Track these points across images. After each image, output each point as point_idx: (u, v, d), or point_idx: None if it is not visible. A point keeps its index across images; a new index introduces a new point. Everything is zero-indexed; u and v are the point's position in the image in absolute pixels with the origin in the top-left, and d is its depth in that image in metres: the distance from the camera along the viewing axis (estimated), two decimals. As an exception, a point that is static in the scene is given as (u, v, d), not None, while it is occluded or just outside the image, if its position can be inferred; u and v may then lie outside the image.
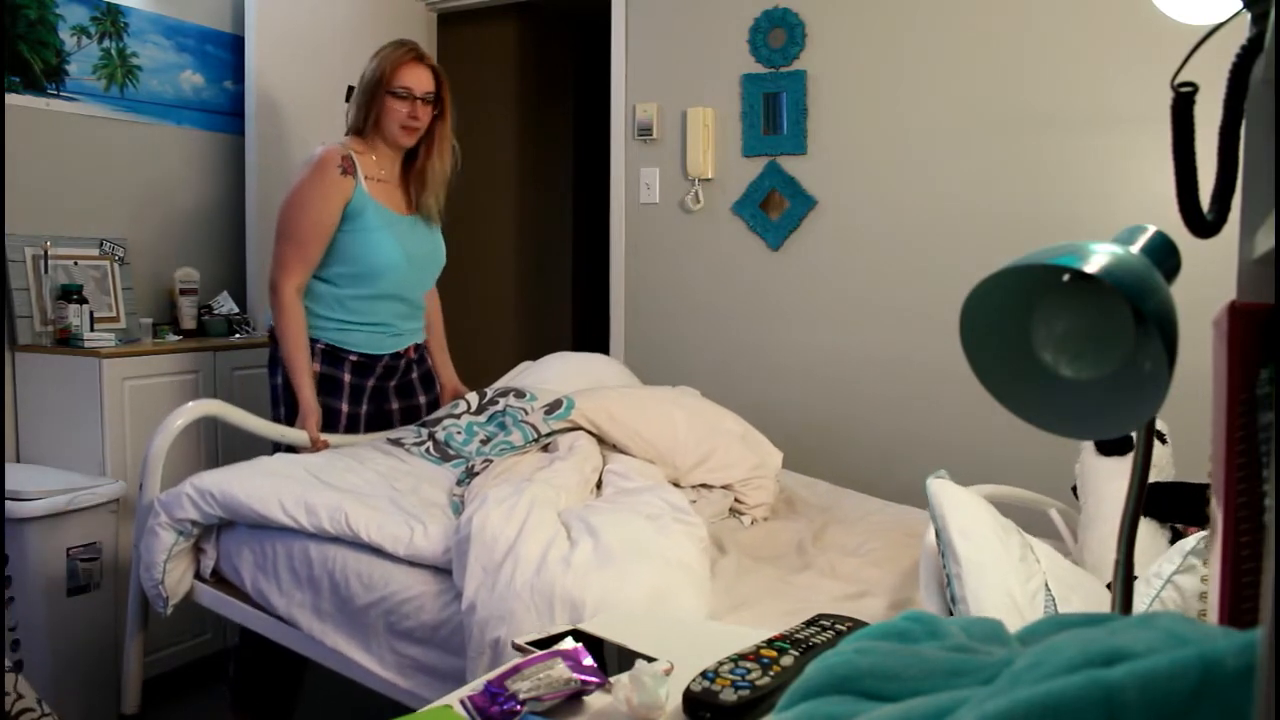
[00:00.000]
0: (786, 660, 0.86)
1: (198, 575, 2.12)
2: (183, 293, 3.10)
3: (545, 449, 2.31)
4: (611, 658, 0.99)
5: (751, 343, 3.29)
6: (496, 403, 2.46)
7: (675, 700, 0.83)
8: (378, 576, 1.86)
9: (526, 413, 2.37)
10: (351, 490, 2.03)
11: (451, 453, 2.34)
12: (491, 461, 2.21)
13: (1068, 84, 2.77)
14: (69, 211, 2.90)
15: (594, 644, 0.99)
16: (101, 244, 2.94)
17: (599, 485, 2.17)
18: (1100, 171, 2.72)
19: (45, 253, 2.76)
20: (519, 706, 0.83)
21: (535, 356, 2.63)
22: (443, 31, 4.04)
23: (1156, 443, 1.93)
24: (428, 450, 2.35)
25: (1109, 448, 1.87)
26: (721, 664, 0.85)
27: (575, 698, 0.87)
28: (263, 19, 3.20)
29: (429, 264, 2.60)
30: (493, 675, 0.87)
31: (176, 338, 3.01)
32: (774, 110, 3.19)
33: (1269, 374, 0.56)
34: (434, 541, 1.85)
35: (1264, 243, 0.62)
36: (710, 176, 3.31)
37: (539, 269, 5.06)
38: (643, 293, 3.48)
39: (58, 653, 2.37)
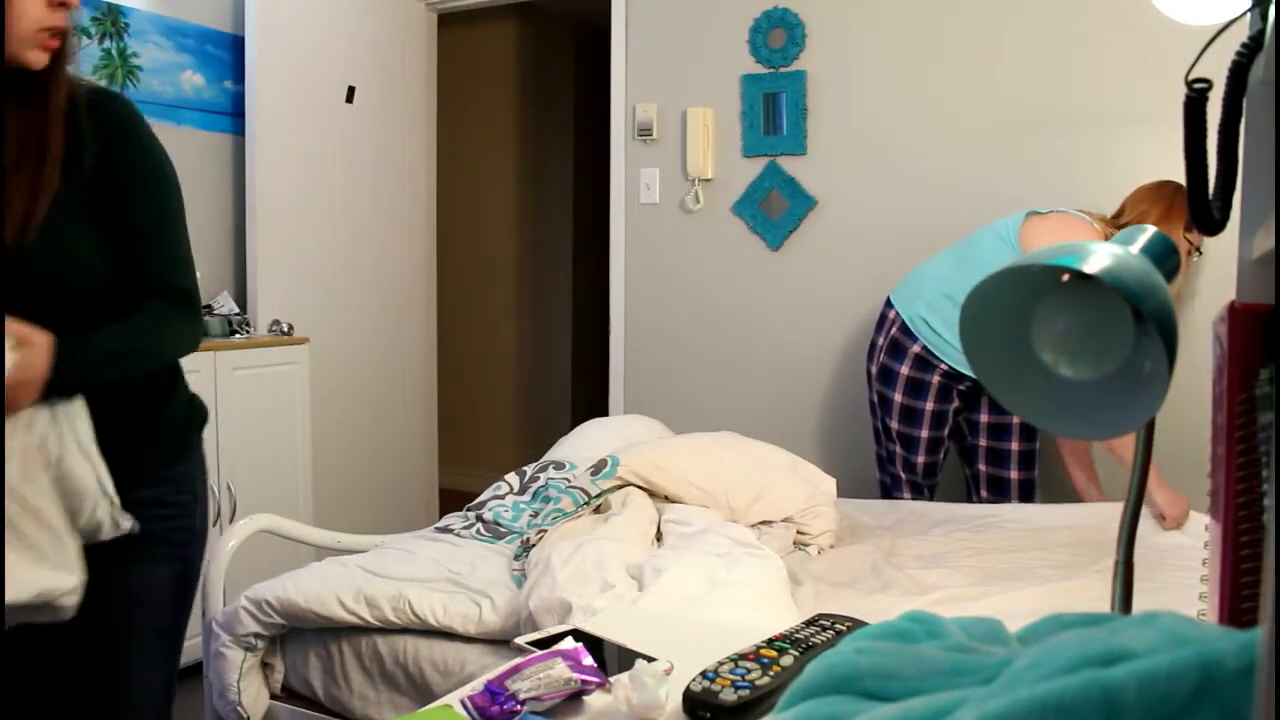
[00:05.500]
0: (786, 660, 0.86)
1: (271, 694, 2.03)
2: (183, 293, 3.10)
3: (597, 510, 2.26)
4: (611, 658, 0.99)
5: (751, 342, 3.29)
6: (537, 479, 2.45)
7: (675, 700, 0.82)
8: (452, 660, 1.82)
9: (571, 480, 2.35)
10: (409, 578, 1.99)
11: (503, 530, 2.31)
12: (545, 532, 2.13)
13: (1068, 84, 2.77)
14: (69, 211, 2.89)
15: (594, 644, 0.99)
16: (101, 244, 2.93)
17: (658, 537, 2.12)
18: (1100, 171, 2.72)
19: (45, 253, 2.75)
20: (519, 706, 0.83)
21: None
22: (443, 32, 4.04)
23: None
24: (478, 532, 2.31)
25: None
26: (721, 664, 0.85)
27: (575, 698, 0.87)
28: (263, 19, 3.20)
29: None
30: (493, 675, 0.87)
31: (176, 338, 3.01)
32: (774, 110, 3.19)
33: (1269, 374, 0.56)
34: (503, 615, 1.82)
35: (1264, 243, 0.62)
36: (710, 177, 3.31)
37: (539, 269, 5.06)
38: (643, 293, 3.47)
39: (58, 653, 2.37)
